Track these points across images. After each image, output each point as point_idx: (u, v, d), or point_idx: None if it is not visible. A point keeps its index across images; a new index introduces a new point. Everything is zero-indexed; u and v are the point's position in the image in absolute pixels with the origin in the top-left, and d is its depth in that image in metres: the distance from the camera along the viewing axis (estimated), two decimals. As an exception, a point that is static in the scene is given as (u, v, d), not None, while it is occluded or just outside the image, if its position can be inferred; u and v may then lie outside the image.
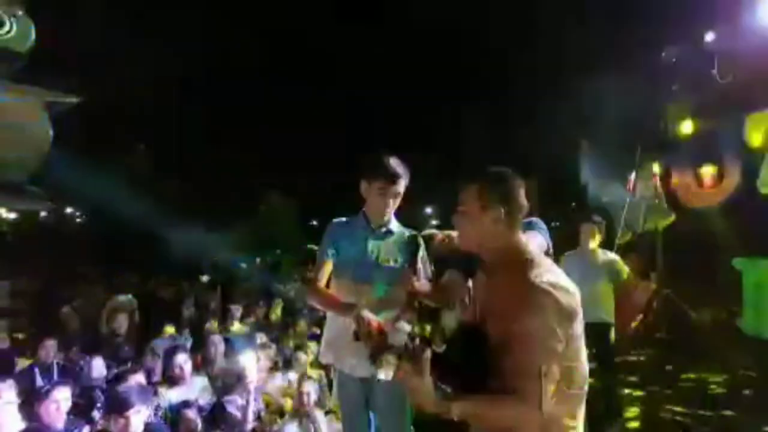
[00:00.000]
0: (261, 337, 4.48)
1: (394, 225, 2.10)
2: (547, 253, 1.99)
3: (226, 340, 4.21)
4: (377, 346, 1.30)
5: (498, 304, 1.28)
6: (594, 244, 3.67)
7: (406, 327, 1.27)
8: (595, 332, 3.42)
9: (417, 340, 1.25)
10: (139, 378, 2.81)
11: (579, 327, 1.26)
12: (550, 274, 1.26)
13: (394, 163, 1.96)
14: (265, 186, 15.04)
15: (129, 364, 3.40)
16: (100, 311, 5.07)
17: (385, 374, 1.23)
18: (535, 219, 2.08)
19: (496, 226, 1.32)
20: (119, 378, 2.83)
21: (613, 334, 3.61)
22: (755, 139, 4.87)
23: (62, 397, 2.49)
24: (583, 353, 1.29)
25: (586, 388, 1.30)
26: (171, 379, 3.18)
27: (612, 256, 3.73)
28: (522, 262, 1.29)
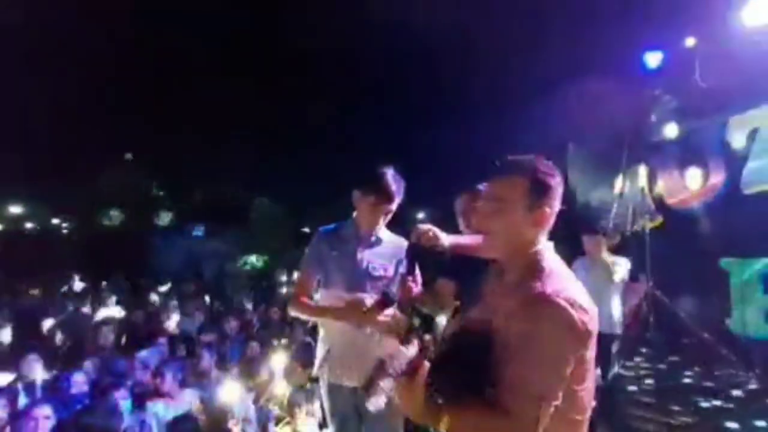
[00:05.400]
0: (254, 348, 4.43)
1: (384, 233, 2.06)
2: None
3: (219, 352, 4.15)
4: (374, 374, 1.18)
5: (506, 311, 1.14)
6: (600, 251, 3.63)
7: (408, 352, 1.16)
8: (605, 343, 3.42)
9: (414, 350, 1.16)
10: (122, 394, 2.74)
11: (591, 350, 1.12)
12: (569, 288, 1.11)
13: (391, 180, 1.90)
14: (255, 193, 14.96)
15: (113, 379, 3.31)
16: (86, 324, 4.97)
17: (374, 404, 1.13)
18: None
19: (535, 229, 1.17)
20: (101, 393, 2.76)
21: (616, 346, 3.58)
22: (738, 140, 4.96)
23: (42, 415, 2.43)
24: (591, 376, 1.16)
25: (589, 413, 1.17)
26: (160, 393, 3.12)
27: (616, 259, 3.70)
28: (539, 270, 1.14)
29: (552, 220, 1.20)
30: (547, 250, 1.21)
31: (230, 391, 2.62)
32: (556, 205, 1.20)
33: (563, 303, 1.06)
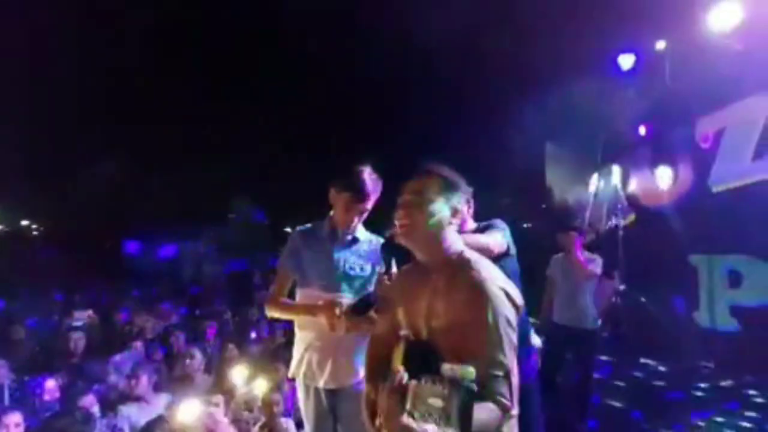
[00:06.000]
0: (232, 349, 4.38)
1: (361, 232, 2.04)
2: (507, 253, 2.04)
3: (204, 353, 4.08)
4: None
5: (449, 309, 1.21)
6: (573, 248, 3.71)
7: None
8: (581, 339, 3.50)
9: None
10: (89, 400, 2.66)
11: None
12: (496, 271, 1.27)
13: (367, 178, 1.87)
14: (234, 193, 14.72)
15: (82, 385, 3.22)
16: (57, 329, 4.82)
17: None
18: (495, 220, 2.13)
19: (447, 223, 1.29)
20: (71, 399, 2.68)
21: (591, 341, 3.66)
22: (705, 140, 5.15)
23: (13, 422, 2.36)
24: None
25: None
26: (134, 397, 3.06)
27: (589, 255, 3.78)
28: (467, 260, 1.27)
29: (458, 220, 1.33)
30: (464, 245, 1.34)
31: (187, 411, 2.56)
32: (464, 205, 1.36)
33: (502, 284, 1.21)
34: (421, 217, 1.27)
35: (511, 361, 1.16)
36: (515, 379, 1.17)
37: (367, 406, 1.30)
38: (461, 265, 1.25)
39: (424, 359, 1.14)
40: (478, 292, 1.18)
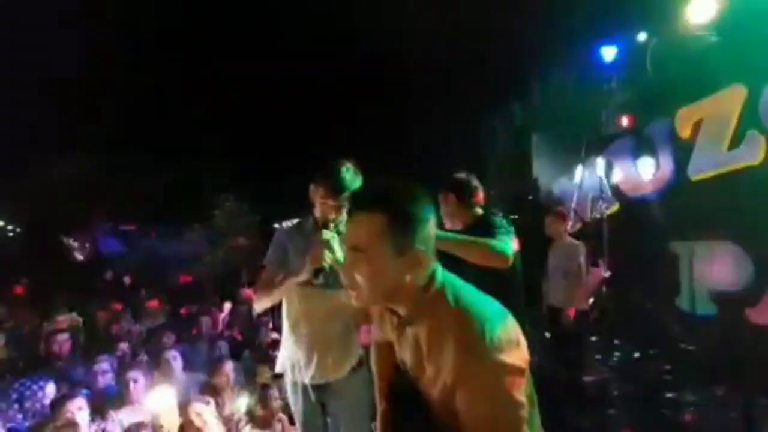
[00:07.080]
0: (221, 347, 4.34)
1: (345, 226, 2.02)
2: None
3: (184, 354, 4.02)
4: None
5: (438, 380, 0.94)
6: (560, 232, 3.94)
7: None
8: (575, 319, 3.69)
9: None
10: (78, 404, 2.59)
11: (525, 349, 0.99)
12: (483, 309, 0.94)
13: (345, 173, 1.81)
14: (220, 191, 14.51)
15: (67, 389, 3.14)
16: (37, 333, 4.69)
17: None
18: (498, 217, 2.16)
19: (414, 268, 0.95)
20: (54, 406, 2.61)
21: (581, 321, 3.87)
22: (684, 131, 5.27)
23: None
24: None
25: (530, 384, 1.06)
26: (122, 399, 3.01)
27: (574, 241, 3.96)
28: (448, 309, 0.95)
29: (432, 251, 0.98)
30: (442, 283, 0.99)
31: (160, 398, 2.53)
32: (430, 238, 0.98)
33: (500, 358, 0.89)
34: (365, 277, 0.95)
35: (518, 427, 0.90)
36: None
37: (382, 424, 1.12)
38: (446, 316, 0.94)
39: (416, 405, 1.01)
40: (478, 379, 0.89)
